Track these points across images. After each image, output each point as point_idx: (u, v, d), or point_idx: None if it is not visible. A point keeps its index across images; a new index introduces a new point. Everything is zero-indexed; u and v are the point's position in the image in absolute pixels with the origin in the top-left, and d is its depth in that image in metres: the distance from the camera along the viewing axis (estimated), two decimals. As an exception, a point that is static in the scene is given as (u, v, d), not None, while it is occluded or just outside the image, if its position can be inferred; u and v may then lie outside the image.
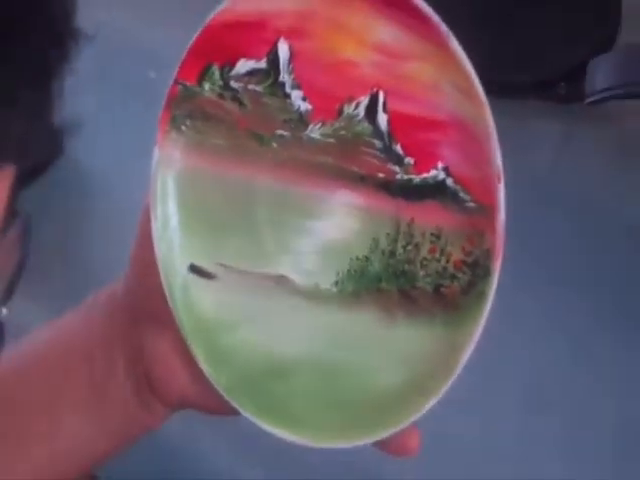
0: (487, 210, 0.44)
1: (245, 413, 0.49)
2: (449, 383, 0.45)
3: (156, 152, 0.50)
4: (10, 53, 0.27)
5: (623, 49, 0.77)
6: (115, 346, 0.53)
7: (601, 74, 0.68)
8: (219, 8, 0.47)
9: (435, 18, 0.43)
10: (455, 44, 0.43)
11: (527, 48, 0.81)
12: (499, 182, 0.43)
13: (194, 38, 0.48)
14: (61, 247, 0.77)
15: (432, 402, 0.45)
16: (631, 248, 0.75)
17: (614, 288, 0.73)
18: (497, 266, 0.44)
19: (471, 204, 0.45)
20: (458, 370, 0.45)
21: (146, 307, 0.52)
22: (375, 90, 0.47)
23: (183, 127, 0.50)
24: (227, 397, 0.49)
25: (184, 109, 0.50)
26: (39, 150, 0.29)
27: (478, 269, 0.45)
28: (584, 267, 0.74)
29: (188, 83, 0.49)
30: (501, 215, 0.43)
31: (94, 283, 0.55)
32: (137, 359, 0.53)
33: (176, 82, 0.49)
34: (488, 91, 0.43)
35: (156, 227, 0.50)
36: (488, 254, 0.44)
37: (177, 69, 0.49)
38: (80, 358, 0.53)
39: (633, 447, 0.66)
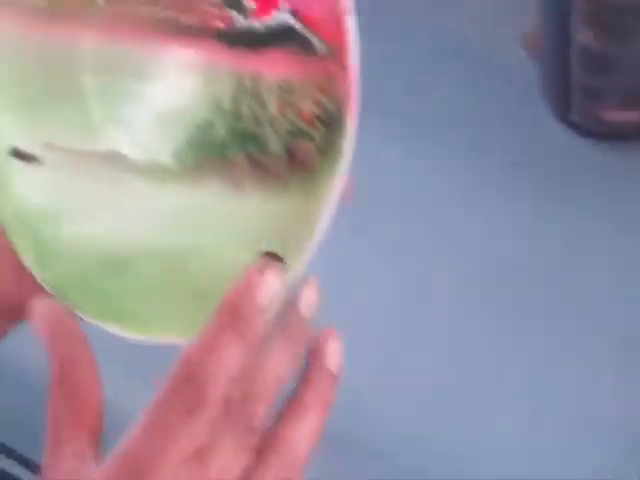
0: (338, 51, 0.38)
1: (80, 313, 0.42)
2: (305, 259, 0.39)
3: None
4: None
5: None
6: None
7: None
8: None
9: None
10: None
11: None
12: (348, 15, 0.37)
13: None
14: None
15: (288, 281, 0.39)
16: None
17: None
18: (353, 116, 0.38)
19: (320, 46, 0.39)
20: (314, 243, 0.39)
21: None
22: None
23: None
24: (57, 296, 0.42)
25: None
26: None
27: (333, 122, 0.38)
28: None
29: None
30: (353, 56, 0.37)
31: None
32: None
33: None
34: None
35: None
36: (342, 103, 0.38)
37: None
38: None
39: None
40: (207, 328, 0.38)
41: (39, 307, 0.41)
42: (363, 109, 0.38)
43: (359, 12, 0.37)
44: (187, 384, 0.37)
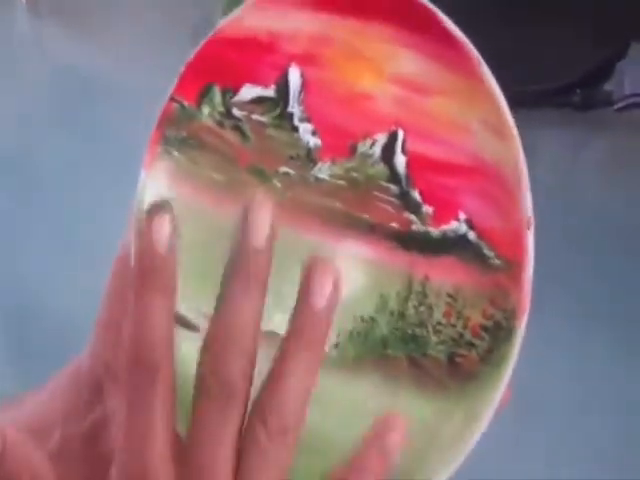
0: (513, 266, 0.38)
1: None
2: (458, 462, 0.39)
3: (143, 176, 0.45)
4: None
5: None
6: (73, 422, 0.46)
7: (631, 77, 0.62)
8: (225, 20, 0.42)
9: (466, 43, 0.38)
10: (487, 73, 0.38)
11: (541, 54, 0.74)
12: (528, 229, 0.37)
13: (195, 51, 0.43)
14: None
15: None
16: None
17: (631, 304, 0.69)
18: (522, 324, 0.38)
19: (495, 260, 0.39)
20: (469, 447, 0.38)
21: (112, 370, 0.46)
22: (394, 128, 0.42)
23: (176, 152, 0.45)
24: None
25: (179, 132, 0.45)
26: None
27: (500, 332, 0.39)
28: (598, 281, 0.70)
29: (186, 102, 0.44)
30: (529, 269, 0.38)
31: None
32: (98, 435, 0.46)
33: (172, 99, 0.44)
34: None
35: None
36: (512, 314, 0.38)
37: (174, 84, 0.44)
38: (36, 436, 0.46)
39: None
40: None
41: None
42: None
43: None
44: None
